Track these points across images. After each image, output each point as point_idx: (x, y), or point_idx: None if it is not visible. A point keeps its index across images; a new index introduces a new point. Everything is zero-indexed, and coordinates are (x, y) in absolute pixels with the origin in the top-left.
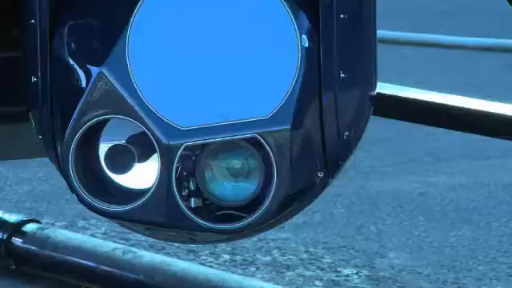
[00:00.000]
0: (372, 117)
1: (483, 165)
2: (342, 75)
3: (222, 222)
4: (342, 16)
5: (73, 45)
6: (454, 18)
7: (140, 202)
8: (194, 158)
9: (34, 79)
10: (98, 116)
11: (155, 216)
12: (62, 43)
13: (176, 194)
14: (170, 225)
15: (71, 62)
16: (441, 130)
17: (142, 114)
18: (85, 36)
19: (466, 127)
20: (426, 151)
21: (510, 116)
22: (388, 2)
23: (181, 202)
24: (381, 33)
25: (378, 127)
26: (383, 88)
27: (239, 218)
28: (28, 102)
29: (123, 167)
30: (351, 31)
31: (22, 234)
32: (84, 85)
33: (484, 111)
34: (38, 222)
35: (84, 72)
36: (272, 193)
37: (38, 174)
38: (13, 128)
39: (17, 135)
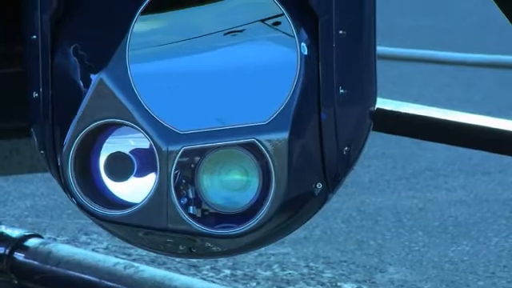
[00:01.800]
0: (372, 132)
1: (482, 180)
2: (342, 91)
3: (221, 228)
4: (340, 32)
5: (73, 60)
6: (452, 34)
7: (138, 206)
8: (192, 165)
9: (35, 94)
10: (98, 120)
11: (153, 220)
12: (62, 58)
13: (174, 197)
14: (167, 229)
15: (72, 76)
16: (440, 145)
17: (141, 119)
18: (85, 51)
19: (464, 143)
20: (425, 166)
21: (508, 131)
22: (387, 19)
23: (178, 206)
24: (380, 49)
25: (377, 142)
26: (383, 103)
27: (238, 224)
28: (29, 117)
29: (122, 175)
30: (350, 47)
31: (24, 249)
32: (83, 97)
33: (482, 127)
34: (40, 236)
35: (86, 85)
36: (270, 199)
37: (40, 190)
38: (15, 143)
39: (19, 151)
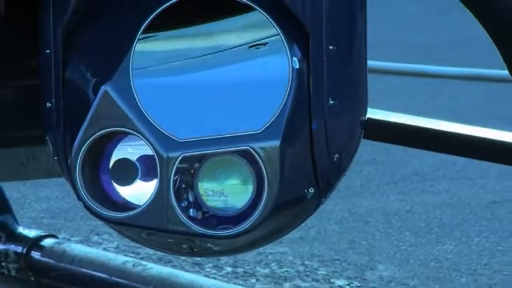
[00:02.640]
0: (363, 140)
1: (465, 184)
2: (332, 102)
3: (218, 229)
4: (331, 47)
5: (82, 73)
6: (438, 49)
7: (140, 208)
8: (191, 170)
9: (48, 104)
10: (103, 129)
11: (154, 222)
12: (73, 71)
13: (174, 201)
14: (168, 230)
15: (81, 88)
16: (426, 152)
17: (143, 128)
18: (93, 64)
19: (448, 150)
20: (412, 172)
21: (489, 139)
22: (377, 35)
23: (178, 209)
24: (370, 63)
25: (368, 149)
26: (373, 113)
27: (233, 226)
28: (44, 125)
29: (127, 179)
30: (340, 61)
31: (41, 248)
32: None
33: (464, 135)
34: (55, 237)
35: (94, 96)
36: (263, 202)
37: (55, 193)
38: (31, 151)
39: (35, 157)
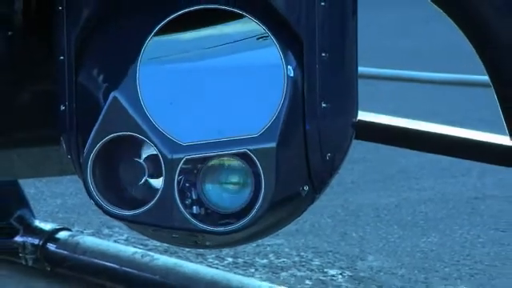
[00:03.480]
0: (354, 140)
1: (448, 182)
2: (324, 105)
3: (219, 225)
4: (323, 55)
5: (93, 77)
6: (422, 55)
7: (146, 207)
8: (194, 171)
9: (62, 107)
10: (112, 133)
11: (160, 219)
12: (84, 76)
13: (178, 199)
14: (172, 227)
15: (93, 91)
16: (412, 151)
17: (150, 132)
18: (103, 70)
19: (433, 149)
20: (399, 170)
21: (470, 139)
22: (367, 42)
23: (182, 207)
24: (360, 69)
25: (359, 149)
26: (364, 116)
27: (233, 222)
28: (58, 126)
29: (135, 179)
30: (332, 68)
31: (56, 241)
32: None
33: (447, 135)
34: (69, 230)
35: (103, 100)
36: (260, 201)
37: (69, 189)
38: (47, 150)
39: (50, 156)
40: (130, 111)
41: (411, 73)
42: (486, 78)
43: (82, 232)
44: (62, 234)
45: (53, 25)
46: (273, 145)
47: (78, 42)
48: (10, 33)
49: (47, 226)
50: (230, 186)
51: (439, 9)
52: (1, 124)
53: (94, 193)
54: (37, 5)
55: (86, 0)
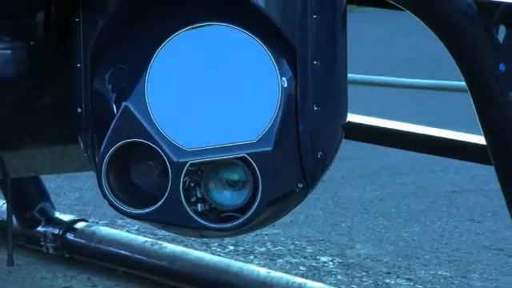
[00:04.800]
0: (344, 139)
1: (428, 177)
2: (316, 108)
3: (221, 222)
4: (315, 62)
5: (106, 83)
6: (405, 64)
7: (155, 206)
8: (199, 172)
9: (79, 110)
10: (123, 140)
11: (167, 218)
12: (99, 82)
13: (183, 200)
14: (179, 225)
15: (106, 96)
16: (396, 149)
17: (157, 138)
18: (115, 77)
19: (414, 147)
20: (384, 166)
21: (447, 138)
22: (358, 52)
23: (187, 207)
24: (350, 75)
25: (348, 148)
26: (352, 118)
27: (234, 219)
28: (76, 127)
29: (145, 180)
30: (323, 74)
31: (74, 231)
32: (114, 113)
33: (427, 135)
34: (86, 221)
35: (115, 104)
36: (258, 199)
37: (87, 184)
38: (66, 148)
39: (69, 154)
40: (139, 119)
41: (394, 79)
42: (462, 83)
43: (97, 223)
44: (80, 225)
45: (70, 35)
46: (269, 149)
47: (93, 50)
48: (32, 42)
49: (66, 218)
50: (231, 187)
51: (421, 22)
52: (24, 125)
53: (108, 193)
54: (56, 17)
55: (101, 13)
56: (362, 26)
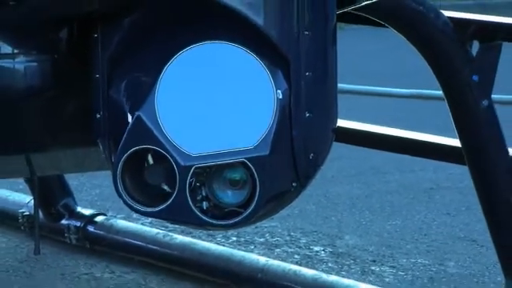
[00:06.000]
0: (334, 142)
1: (409, 175)
2: (308, 114)
3: (224, 218)
4: (307, 74)
5: (121, 93)
6: (391, 75)
7: (164, 205)
8: (204, 174)
9: (97, 116)
10: (135, 146)
11: (175, 215)
12: (114, 91)
13: (189, 200)
14: (185, 221)
15: (121, 104)
16: (380, 151)
17: (166, 145)
18: (129, 87)
19: (396, 149)
20: (370, 166)
21: (426, 141)
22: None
23: (193, 206)
24: (340, 85)
25: (337, 149)
26: (342, 123)
27: (235, 215)
28: (95, 131)
29: (157, 181)
30: (314, 84)
31: (94, 223)
32: (128, 119)
33: (408, 138)
34: (104, 214)
35: (128, 112)
36: (256, 198)
37: (105, 182)
38: (87, 150)
39: (90, 155)
40: (150, 128)
41: (380, 89)
42: (439, 92)
43: (115, 216)
44: (99, 218)
45: (90, 49)
46: (265, 153)
47: (109, 63)
48: (56, 56)
49: (87, 212)
50: (233, 186)
51: (405, 38)
52: (50, 129)
53: (122, 194)
54: (77, 33)
55: (116, 30)
56: (353, 42)
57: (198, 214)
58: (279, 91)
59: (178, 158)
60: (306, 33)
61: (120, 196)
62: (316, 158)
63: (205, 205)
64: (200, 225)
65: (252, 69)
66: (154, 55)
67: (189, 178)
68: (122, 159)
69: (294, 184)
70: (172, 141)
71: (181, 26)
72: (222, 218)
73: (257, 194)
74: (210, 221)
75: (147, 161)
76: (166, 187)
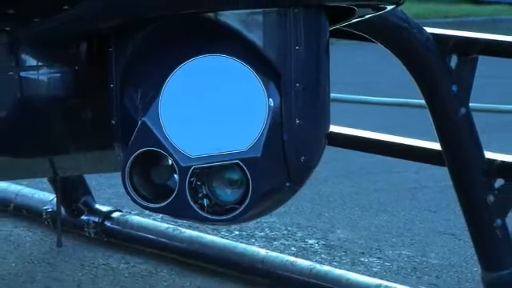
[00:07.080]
0: (327, 145)
1: (395, 176)
2: (298, 121)
3: (221, 214)
4: (297, 85)
5: (131, 101)
6: (375, 85)
7: (166, 202)
8: (202, 175)
9: (113, 121)
10: (141, 148)
11: (176, 211)
12: (126, 100)
13: (188, 197)
14: (185, 216)
15: (132, 111)
16: (368, 153)
17: (168, 147)
18: (137, 95)
19: (382, 152)
20: (359, 167)
21: (409, 145)
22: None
23: (192, 203)
24: (333, 95)
25: (329, 152)
26: (334, 128)
27: (231, 212)
28: (111, 136)
29: (161, 179)
30: (304, 94)
31: (111, 219)
32: (137, 125)
33: (393, 142)
34: (120, 211)
35: (137, 117)
36: (249, 197)
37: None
38: (105, 153)
39: (108, 157)
40: (154, 132)
41: (368, 97)
42: (422, 101)
43: (130, 213)
44: (115, 214)
45: (105, 61)
46: (257, 155)
47: (122, 74)
48: (76, 67)
49: (104, 208)
50: (230, 185)
51: (389, 51)
52: (71, 134)
53: (130, 191)
54: (95, 47)
55: (127, 44)
56: (346, 54)
57: (197, 210)
58: (271, 99)
59: (178, 159)
60: (297, 48)
61: (128, 194)
62: (308, 160)
63: (205, 202)
64: (199, 220)
65: (246, 79)
66: (159, 67)
67: (188, 177)
68: (130, 160)
69: (287, 184)
70: (173, 143)
71: (183, 42)
72: (219, 214)
73: (250, 192)
74: (208, 216)
75: (152, 161)
76: (168, 185)
